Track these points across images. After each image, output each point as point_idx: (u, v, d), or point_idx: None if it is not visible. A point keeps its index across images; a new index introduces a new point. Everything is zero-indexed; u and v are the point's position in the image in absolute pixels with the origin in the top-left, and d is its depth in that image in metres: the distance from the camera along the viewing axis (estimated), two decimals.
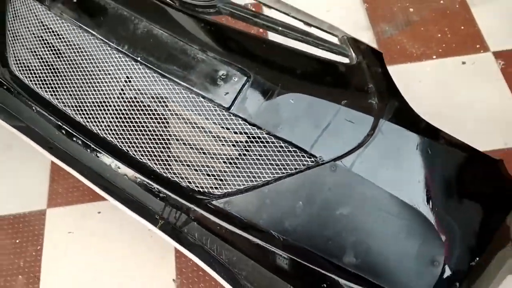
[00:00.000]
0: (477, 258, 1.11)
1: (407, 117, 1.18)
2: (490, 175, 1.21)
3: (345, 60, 1.25)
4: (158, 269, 1.42)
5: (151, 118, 1.23)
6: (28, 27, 1.40)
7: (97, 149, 1.27)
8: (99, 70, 1.29)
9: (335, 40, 1.29)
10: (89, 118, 1.29)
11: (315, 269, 1.12)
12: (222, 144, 1.18)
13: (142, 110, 1.25)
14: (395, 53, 1.83)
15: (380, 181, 1.11)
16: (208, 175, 1.19)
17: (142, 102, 1.25)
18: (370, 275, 1.11)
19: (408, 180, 1.12)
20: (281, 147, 1.14)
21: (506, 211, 1.19)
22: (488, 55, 1.81)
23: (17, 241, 1.50)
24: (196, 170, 1.20)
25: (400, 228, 1.12)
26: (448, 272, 1.10)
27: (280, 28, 1.28)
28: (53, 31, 1.35)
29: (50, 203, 1.56)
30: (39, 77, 1.36)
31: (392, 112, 1.16)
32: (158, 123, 1.23)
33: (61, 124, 1.31)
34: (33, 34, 1.39)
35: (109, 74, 1.28)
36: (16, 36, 1.42)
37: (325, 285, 1.11)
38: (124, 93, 1.27)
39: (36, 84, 1.36)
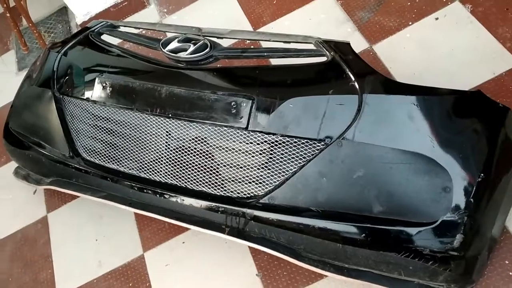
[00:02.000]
0: (482, 174, 1.34)
1: (384, 85, 1.44)
2: (473, 105, 1.45)
3: (324, 59, 1.54)
4: (241, 270, 1.73)
5: (194, 155, 1.58)
6: (84, 121, 1.80)
7: (163, 192, 1.63)
8: (144, 134, 1.66)
9: (311, 46, 1.59)
10: (150, 171, 1.66)
11: (353, 225, 1.40)
12: (252, 156, 1.50)
13: (185, 151, 1.59)
14: (376, 33, 2.09)
15: (380, 141, 1.38)
16: (250, 182, 1.51)
17: (183, 146, 1.59)
18: (398, 216, 1.37)
19: (402, 132, 1.39)
20: (295, 142, 1.44)
21: (498, 127, 1.43)
22: (456, 4, 2.03)
23: (130, 284, 1.88)
24: (239, 182, 1.52)
25: (409, 172, 1.37)
26: (460, 193, 1.34)
27: (265, 54, 1.60)
28: (102, 117, 1.74)
29: (145, 248, 1.93)
30: (104, 154, 1.75)
31: (371, 86, 1.43)
32: (200, 157, 1.57)
33: (131, 184, 1.69)
34: (89, 124, 1.78)
35: (153, 134, 1.64)
36: (78, 131, 1.82)
37: (364, 234, 1.39)
38: (169, 144, 1.62)
39: (103, 160, 1.75)
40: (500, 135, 1.43)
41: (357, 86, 1.43)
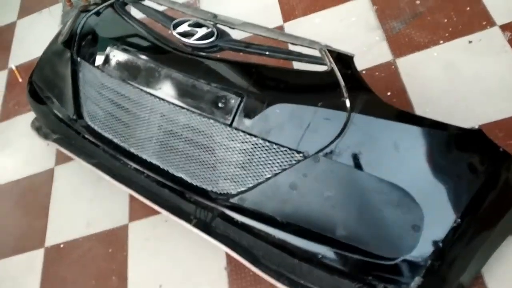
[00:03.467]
0: (459, 220, 1.27)
1: (376, 108, 1.38)
2: (468, 144, 1.36)
3: (324, 68, 1.49)
4: (211, 261, 1.74)
5: (180, 141, 1.59)
6: (92, 87, 1.85)
7: (145, 171, 1.66)
8: (141, 111, 1.68)
9: (316, 52, 1.53)
10: (139, 148, 1.69)
11: (314, 243, 1.37)
12: (232, 154, 1.49)
13: (174, 136, 1.60)
14: (403, 46, 1.98)
15: (358, 164, 1.33)
16: (225, 179, 1.51)
17: (173, 130, 1.60)
18: (359, 244, 1.32)
19: (383, 160, 1.33)
20: (275, 149, 1.42)
21: (491, 173, 1.33)
22: (495, 30, 1.88)
23: (110, 250, 1.95)
24: (216, 177, 1.52)
25: (381, 202, 1.32)
26: (430, 235, 1.28)
27: (267, 52, 1.56)
28: (108, 87, 1.78)
29: (131, 218, 1.98)
30: (103, 123, 1.79)
31: (362, 105, 1.37)
32: (185, 144, 1.57)
33: (119, 157, 1.73)
34: (96, 91, 1.83)
35: (148, 113, 1.66)
36: (86, 95, 1.87)
37: (322, 255, 1.36)
38: (161, 126, 1.64)
39: (102, 128, 1.80)
40: (492, 182, 1.34)
41: (348, 103, 1.38)
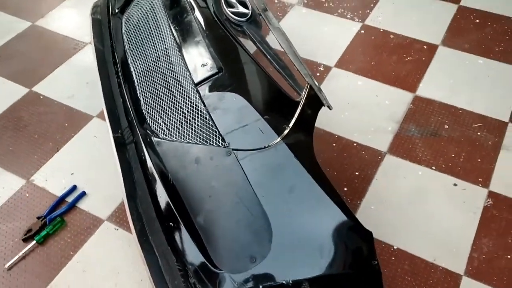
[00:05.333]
0: (290, 283, 1.30)
1: (302, 150, 1.44)
2: (354, 237, 1.38)
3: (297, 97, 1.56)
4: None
5: (158, 73, 1.73)
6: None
7: (120, 78, 1.82)
8: (157, 37, 1.85)
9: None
10: (133, 61, 1.85)
11: (175, 213, 1.45)
12: (182, 107, 1.61)
13: (158, 67, 1.75)
14: (402, 149, 1.99)
15: (253, 180, 1.40)
16: (164, 122, 1.62)
17: (160, 63, 1.76)
18: (205, 237, 1.39)
19: (274, 191, 1.39)
20: (209, 125, 1.52)
21: (350, 272, 1.35)
22: (482, 191, 1.84)
23: (66, 124, 2.14)
24: (160, 116, 1.65)
25: (245, 220, 1.38)
26: (257, 272, 1.31)
27: (268, 57, 1.67)
28: (152, 4, 1.98)
29: (99, 115, 2.17)
30: (129, 27, 1.99)
31: (293, 142, 1.44)
32: (160, 77, 1.71)
33: (116, 56, 1.91)
34: (145, 2, 2.03)
35: (160, 41, 1.83)
36: (137, 2, 2.09)
37: (172, 226, 1.44)
38: (159, 56, 1.79)
39: (125, 29, 1.99)
40: (348, 281, 1.35)
41: (285, 131, 1.45)
